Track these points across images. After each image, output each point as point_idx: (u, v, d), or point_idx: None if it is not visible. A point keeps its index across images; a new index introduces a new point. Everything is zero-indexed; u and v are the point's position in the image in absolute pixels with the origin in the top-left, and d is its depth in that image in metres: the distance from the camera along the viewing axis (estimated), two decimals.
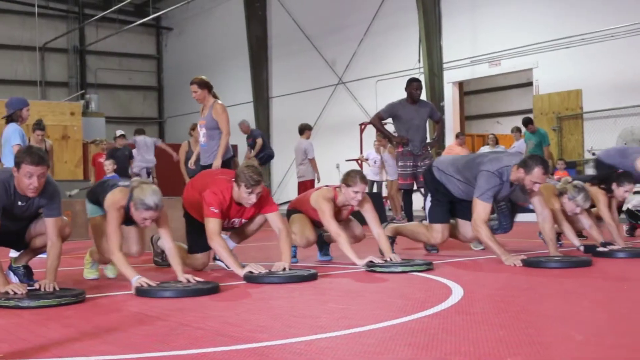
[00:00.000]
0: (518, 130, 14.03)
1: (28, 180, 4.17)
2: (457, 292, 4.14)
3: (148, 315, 3.71)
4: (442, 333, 3.03)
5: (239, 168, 5.22)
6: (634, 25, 13.01)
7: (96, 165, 14.87)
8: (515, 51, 15.09)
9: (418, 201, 9.44)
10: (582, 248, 6.00)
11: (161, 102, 27.60)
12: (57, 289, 4.24)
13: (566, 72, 14.20)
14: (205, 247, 5.38)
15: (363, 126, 17.04)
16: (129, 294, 4.45)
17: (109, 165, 12.26)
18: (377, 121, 8.51)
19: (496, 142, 14.77)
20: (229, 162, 7.45)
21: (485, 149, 14.79)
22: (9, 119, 7.65)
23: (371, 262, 5.33)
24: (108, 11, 22.68)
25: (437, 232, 6.20)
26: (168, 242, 4.72)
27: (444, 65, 16.40)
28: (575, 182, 6.18)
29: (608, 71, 13.51)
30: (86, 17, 24.82)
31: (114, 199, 4.68)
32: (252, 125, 16.48)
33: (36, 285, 4.26)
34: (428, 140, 8.49)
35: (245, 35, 21.64)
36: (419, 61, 16.65)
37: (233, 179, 5.18)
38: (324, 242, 6.34)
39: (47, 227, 4.45)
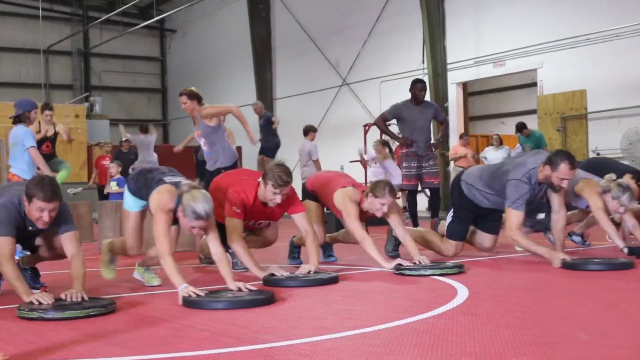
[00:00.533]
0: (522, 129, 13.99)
1: (39, 214, 3.97)
2: (463, 293, 4.14)
3: (153, 316, 3.71)
4: (447, 334, 3.03)
5: (268, 166, 5.03)
6: (638, 25, 12.99)
7: (99, 167, 14.91)
8: (519, 52, 15.08)
9: (422, 202, 9.44)
10: (626, 250, 5.78)
11: (165, 104, 27.65)
12: (86, 298, 3.94)
13: (570, 73, 14.18)
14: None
15: (367, 127, 17.03)
16: (134, 296, 4.45)
17: (113, 168, 12.28)
18: (382, 122, 8.50)
19: (500, 142, 14.75)
20: (234, 166, 7.43)
21: (489, 150, 14.79)
22: (17, 119, 7.65)
23: (400, 265, 5.19)
24: (112, 14, 22.73)
25: (451, 246, 6.14)
26: (216, 248, 4.41)
27: (448, 66, 16.38)
28: (620, 180, 5.92)
29: (612, 71, 13.49)
30: (90, 20, 24.88)
31: (161, 200, 4.36)
32: (256, 126, 16.48)
33: (62, 295, 3.93)
34: (432, 141, 8.48)
35: (249, 37, 21.67)
36: (423, 62, 16.65)
37: (259, 179, 5.03)
38: (326, 244, 6.29)
39: (65, 242, 4.22)
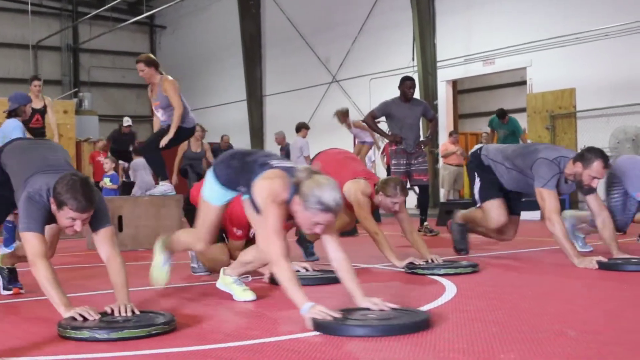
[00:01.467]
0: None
1: (69, 222, 3.38)
2: (451, 290, 4.14)
3: None
4: (436, 330, 3.03)
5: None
6: (627, 24, 13.04)
7: (94, 163, 14.83)
8: (509, 50, 15.11)
9: (411, 199, 9.44)
10: None
11: None
12: (137, 312, 3.30)
13: (560, 71, 14.22)
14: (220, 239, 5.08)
15: None
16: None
17: (107, 164, 12.21)
18: (371, 120, 8.52)
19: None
20: (193, 130, 7.67)
21: None
22: (12, 113, 7.61)
23: (412, 263, 5.03)
24: (101, 9, 22.63)
25: (492, 209, 5.61)
26: (336, 252, 3.44)
27: (438, 64, 16.40)
28: None
29: (601, 70, 13.54)
30: (80, 15, 24.75)
31: (272, 187, 3.37)
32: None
33: (108, 310, 3.29)
34: (422, 138, 8.51)
35: (239, 33, 21.61)
36: (413, 59, 16.65)
37: None
38: (306, 241, 5.97)
39: (99, 240, 3.55)
